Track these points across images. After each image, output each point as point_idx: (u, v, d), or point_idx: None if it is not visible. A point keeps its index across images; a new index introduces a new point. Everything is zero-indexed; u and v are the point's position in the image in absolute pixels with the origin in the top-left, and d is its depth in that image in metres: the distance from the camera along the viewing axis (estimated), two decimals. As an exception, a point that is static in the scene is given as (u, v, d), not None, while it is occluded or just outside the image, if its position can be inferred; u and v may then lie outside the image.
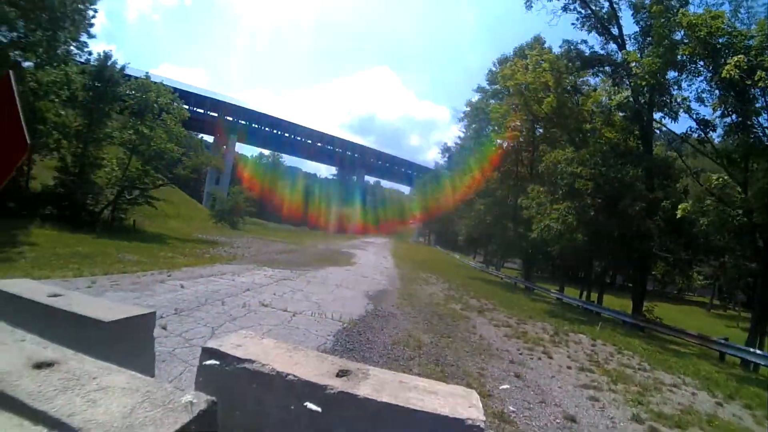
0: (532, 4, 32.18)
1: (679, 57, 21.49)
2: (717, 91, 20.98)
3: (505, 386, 8.30)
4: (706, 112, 22.10)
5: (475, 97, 46.10)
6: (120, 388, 2.99)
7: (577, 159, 24.61)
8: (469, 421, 4.06)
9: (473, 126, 45.97)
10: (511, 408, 7.40)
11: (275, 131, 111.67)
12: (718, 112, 20.77)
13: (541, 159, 31.46)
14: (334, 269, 24.74)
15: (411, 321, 13.65)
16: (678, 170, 26.25)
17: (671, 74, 23.01)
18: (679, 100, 22.53)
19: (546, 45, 38.18)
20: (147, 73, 29.89)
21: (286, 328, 10.15)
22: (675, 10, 21.94)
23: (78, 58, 26.13)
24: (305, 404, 3.65)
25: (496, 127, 41.05)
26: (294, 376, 4.32)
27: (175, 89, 32.38)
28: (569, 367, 10.90)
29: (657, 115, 24.77)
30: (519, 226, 38.18)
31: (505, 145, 41.08)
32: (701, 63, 21.22)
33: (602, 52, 30.07)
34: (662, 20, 21.82)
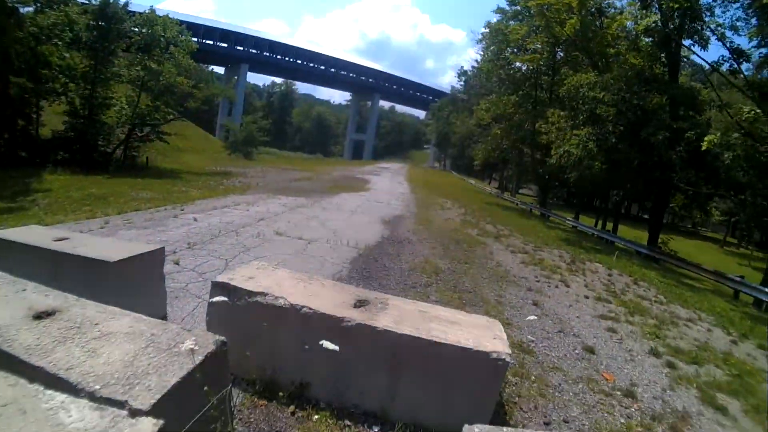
0: None
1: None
2: (754, 20, 19.64)
3: (531, 317, 8.16)
4: (739, 41, 21.01)
5: (494, 19, 44.27)
6: (123, 334, 2.83)
7: (600, 84, 23.62)
8: (494, 354, 3.89)
9: (491, 48, 44.17)
10: (530, 337, 7.28)
11: (287, 58, 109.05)
12: (755, 42, 19.57)
13: (561, 83, 30.38)
14: (348, 195, 24.45)
15: (427, 247, 13.47)
16: (702, 102, 25.35)
17: (704, -1, 21.68)
18: (713, 26, 21.30)
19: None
20: (152, 7, 29.06)
21: (301, 257, 9.94)
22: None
23: (78, -2, 25.46)
24: (321, 343, 3.44)
25: (515, 50, 39.80)
26: (309, 308, 4.18)
27: (182, 21, 31.44)
28: (586, 297, 10.70)
29: (686, 42, 23.68)
30: (536, 151, 37.34)
31: (524, 68, 39.93)
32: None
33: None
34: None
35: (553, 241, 19.95)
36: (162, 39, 27.63)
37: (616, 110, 23.15)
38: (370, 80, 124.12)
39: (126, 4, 26.43)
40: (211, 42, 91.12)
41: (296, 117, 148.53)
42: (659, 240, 25.50)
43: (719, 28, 20.84)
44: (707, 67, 22.11)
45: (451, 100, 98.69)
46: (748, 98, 20.04)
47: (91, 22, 24.41)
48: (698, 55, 22.88)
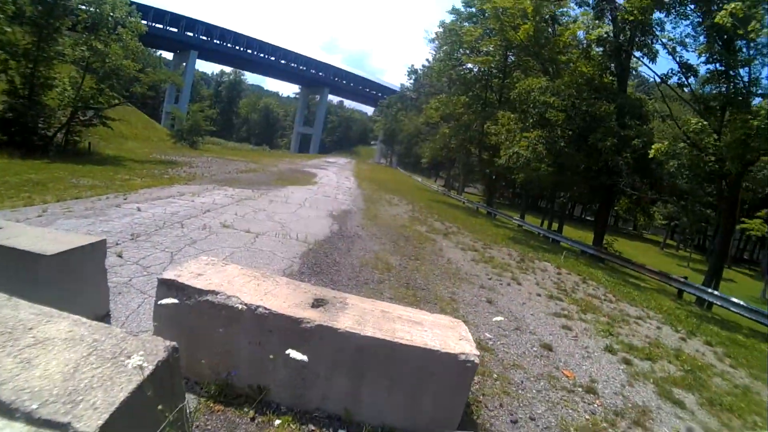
0: None
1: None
2: (702, 38, 20.27)
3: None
4: (687, 56, 21.62)
5: (449, 19, 44.57)
6: (61, 340, 2.50)
7: (551, 89, 23.98)
8: (463, 356, 3.76)
9: (444, 48, 44.44)
10: (487, 335, 7.26)
11: (237, 47, 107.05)
12: (703, 58, 20.06)
13: (512, 86, 30.70)
14: (296, 189, 24.11)
15: (377, 242, 13.39)
16: (647, 112, 26.01)
17: (656, 15, 22.09)
18: (664, 39, 21.81)
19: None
20: (101, -17, 28.01)
21: (249, 251, 9.66)
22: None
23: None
24: (288, 353, 3.17)
25: (468, 51, 40.17)
26: (265, 308, 3.93)
27: (132, 2, 30.27)
28: (539, 295, 10.85)
29: (636, 54, 24.19)
30: (484, 152, 37.96)
31: (476, 69, 40.28)
32: (691, 6, 20.46)
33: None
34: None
35: (502, 239, 20.26)
36: (110, 19, 26.36)
37: (566, 115, 23.71)
38: (320, 74, 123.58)
39: (74, -21, 25.24)
40: (160, 26, 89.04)
41: (244, 108, 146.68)
42: (604, 241, 26.14)
43: (670, 42, 21.60)
44: (657, 79, 22.61)
45: (400, 97, 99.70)
46: (695, 111, 20.79)
47: (36, -5, 23.14)
48: (648, 67, 23.45)
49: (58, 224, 8.97)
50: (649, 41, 22.79)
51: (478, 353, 3.84)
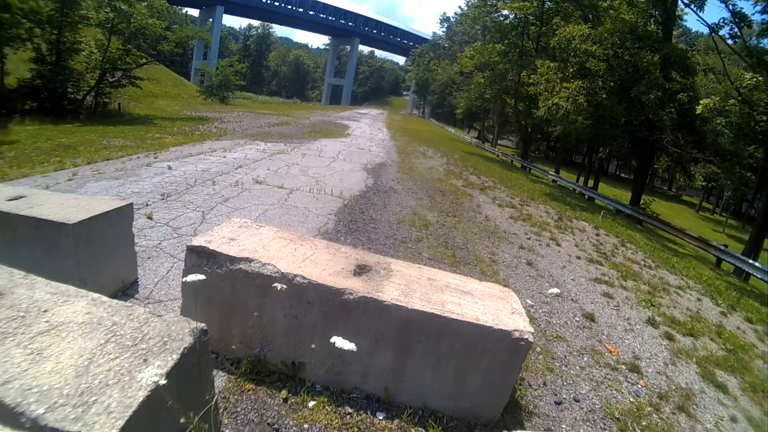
0: None
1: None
2: None
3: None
4: (740, 5, 20.27)
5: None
6: (77, 324, 2.22)
7: (592, 37, 22.99)
8: (517, 333, 3.39)
9: (479, -8, 42.95)
10: (529, 302, 6.95)
11: (264, 0, 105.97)
12: (759, 7, 18.67)
13: (550, 34, 29.58)
14: (328, 141, 23.86)
15: (414, 197, 13.12)
16: (693, 65, 24.67)
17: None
18: None
19: None
20: (122, -57, 27.65)
21: (283, 207, 9.49)
22: None
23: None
24: (333, 341, 2.79)
25: (503, -4, 38.70)
26: (303, 277, 3.63)
27: (155, -41, 30.09)
28: (578, 257, 10.44)
29: (683, 1, 22.78)
30: (520, 102, 36.74)
31: (512, 16, 38.87)
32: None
33: None
34: None
35: (538, 195, 19.72)
36: (133, -22, 26.18)
37: (607, 65, 22.59)
38: (350, 24, 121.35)
39: (94, -59, 24.93)
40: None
41: (273, 61, 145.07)
42: (642, 201, 25.39)
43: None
44: (706, 29, 21.30)
45: (432, 46, 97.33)
46: (747, 65, 19.57)
47: (56, -40, 22.90)
48: (697, 14, 21.79)
49: (88, 187, 8.83)
50: (698, -15, 21.25)
51: (533, 330, 3.48)
